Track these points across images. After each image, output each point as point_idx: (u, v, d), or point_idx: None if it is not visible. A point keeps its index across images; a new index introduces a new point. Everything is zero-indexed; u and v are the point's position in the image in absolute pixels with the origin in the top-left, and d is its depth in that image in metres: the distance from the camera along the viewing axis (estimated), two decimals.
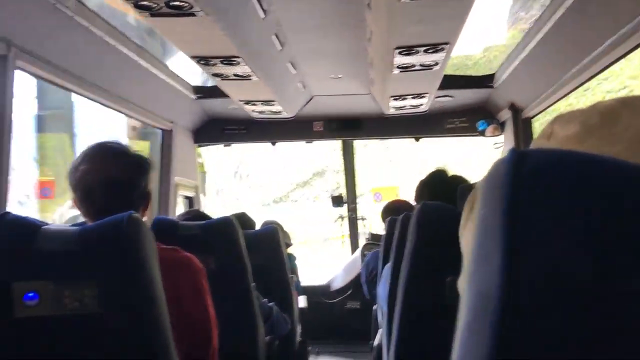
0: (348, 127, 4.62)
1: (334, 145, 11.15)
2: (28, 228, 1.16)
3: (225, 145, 5.29)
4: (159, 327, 1.17)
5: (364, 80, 3.62)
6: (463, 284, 0.43)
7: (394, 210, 3.12)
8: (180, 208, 4.30)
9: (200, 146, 4.87)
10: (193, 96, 3.98)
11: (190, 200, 4.59)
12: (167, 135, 4.17)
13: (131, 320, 1.16)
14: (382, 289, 2.26)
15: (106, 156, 1.40)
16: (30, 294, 1.12)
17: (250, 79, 2.91)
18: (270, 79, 3.12)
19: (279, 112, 4.01)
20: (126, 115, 3.65)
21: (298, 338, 2.96)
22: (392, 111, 4.11)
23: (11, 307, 1.13)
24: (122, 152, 1.43)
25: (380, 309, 2.67)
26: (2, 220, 1.18)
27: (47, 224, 1.21)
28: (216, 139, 4.76)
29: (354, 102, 4.19)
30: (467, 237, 0.51)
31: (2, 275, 1.13)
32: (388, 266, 2.14)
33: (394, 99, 3.71)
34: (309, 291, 4.53)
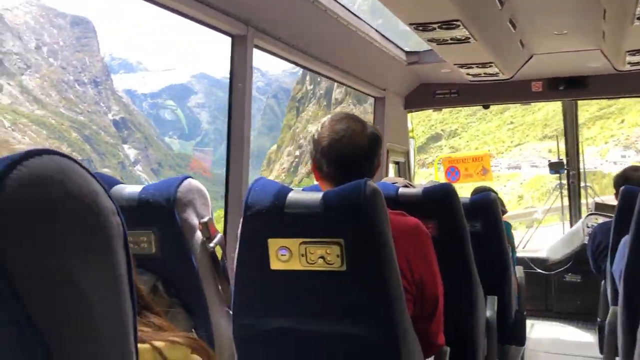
0: (571, 86, 4.27)
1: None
2: (280, 191, 1.31)
3: (434, 110, 5.28)
4: (392, 284, 1.26)
5: (593, 35, 3.29)
6: None
7: (629, 179, 2.83)
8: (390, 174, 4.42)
9: (410, 112, 4.92)
10: (405, 62, 4.02)
11: (399, 166, 4.69)
12: (378, 102, 4.30)
13: (368, 277, 1.25)
14: (617, 265, 2.09)
15: (351, 126, 1.50)
16: (283, 250, 1.28)
17: (468, 42, 2.85)
18: (489, 40, 3.02)
19: (495, 74, 3.86)
20: (342, 84, 3.85)
21: (514, 308, 2.88)
22: (627, 67, 3.68)
23: (268, 260, 1.31)
24: (363, 123, 1.54)
25: (612, 285, 2.47)
26: (258, 183, 1.35)
27: (291, 189, 1.35)
28: (427, 104, 4.76)
29: (578, 59, 3.84)
30: None
31: (261, 231, 1.30)
32: (625, 240, 1.97)
33: (631, 54, 3.32)
34: (523, 262, 4.36)
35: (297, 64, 2.97)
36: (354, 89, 3.98)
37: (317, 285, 1.30)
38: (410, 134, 4.94)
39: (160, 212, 1.32)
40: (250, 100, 2.61)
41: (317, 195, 1.28)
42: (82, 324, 0.42)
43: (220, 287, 1.42)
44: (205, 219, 1.38)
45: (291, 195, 1.30)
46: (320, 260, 1.26)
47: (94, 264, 0.43)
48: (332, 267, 1.26)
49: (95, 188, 0.44)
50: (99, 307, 0.43)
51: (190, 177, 1.40)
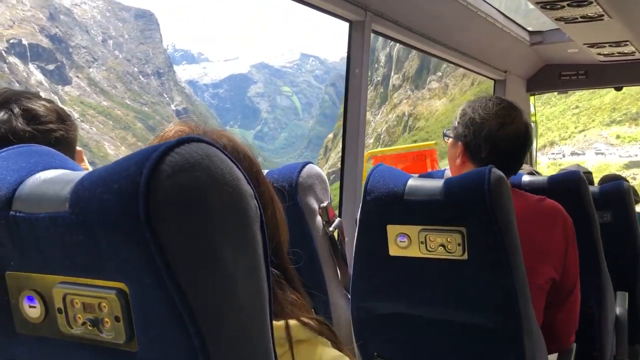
0: None
1: None
2: (400, 178, 1.30)
3: (559, 93, 4.98)
4: (516, 274, 1.22)
5: None
6: None
7: None
8: None
9: (532, 95, 4.67)
10: (528, 42, 3.81)
11: None
12: (499, 85, 4.13)
13: (491, 267, 1.22)
14: None
15: (515, 113, 1.50)
16: (402, 237, 1.28)
17: (602, 19, 2.64)
18: (626, 17, 2.78)
19: (630, 54, 3.55)
20: (460, 66, 3.73)
21: None
22: None
23: (386, 246, 1.31)
24: (521, 111, 1.52)
25: None
26: (377, 169, 1.36)
27: (411, 175, 1.34)
28: (551, 87, 4.50)
29: None
30: None
31: (380, 217, 1.31)
32: None
33: None
34: None
35: (414, 47, 2.94)
36: (473, 71, 3.85)
37: (437, 273, 1.28)
38: (533, 118, 4.70)
39: (284, 196, 1.32)
40: (366, 86, 2.62)
41: (439, 183, 1.26)
42: (229, 300, 0.45)
43: (338, 270, 1.44)
44: (325, 204, 1.40)
45: (411, 182, 1.29)
46: (441, 249, 1.24)
47: (237, 244, 0.46)
48: (453, 256, 1.23)
49: (236, 174, 0.47)
50: (242, 284, 0.46)
51: (311, 162, 1.41)
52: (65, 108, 1.40)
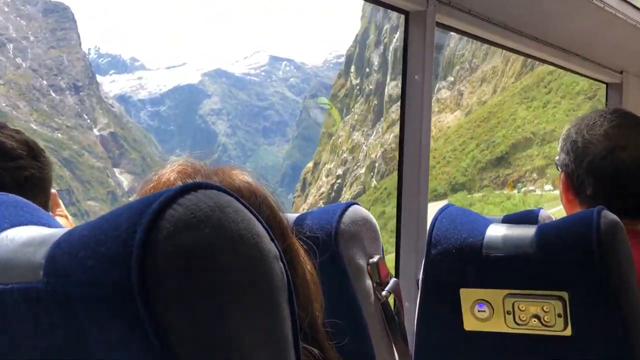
0: None
1: None
2: (476, 224, 1.31)
3: None
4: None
5: None
6: None
7: None
8: None
9: None
10: None
11: None
12: (613, 89, 4.10)
13: (606, 345, 1.21)
14: None
15: (628, 130, 1.49)
16: (481, 305, 1.27)
17: None
18: None
19: None
20: (557, 66, 3.72)
21: None
22: None
23: (460, 317, 1.31)
24: None
25: None
26: (446, 212, 1.36)
27: (492, 220, 1.34)
28: None
29: None
30: None
31: (451, 278, 1.31)
32: None
33: None
34: None
35: (493, 44, 2.98)
36: (575, 72, 3.84)
37: (529, 353, 1.27)
38: None
39: (320, 248, 1.29)
40: (429, 98, 2.65)
41: (530, 231, 1.25)
42: None
43: (394, 349, 1.43)
44: (375, 259, 1.39)
45: (493, 230, 1.29)
46: (534, 321, 1.23)
47: (257, 323, 0.47)
48: (551, 331, 1.23)
49: (256, 229, 0.48)
50: None
51: (356, 203, 1.41)
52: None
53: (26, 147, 1.39)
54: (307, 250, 1.10)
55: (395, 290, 1.38)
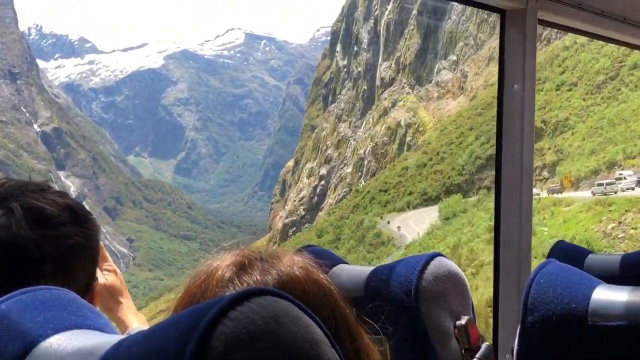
0: None
1: None
2: (580, 285, 1.17)
3: None
4: None
5: None
6: None
7: None
8: None
9: None
10: None
11: None
12: None
13: None
14: None
15: None
16: None
17: None
18: None
19: None
20: None
21: None
22: None
23: None
24: None
25: None
26: (546, 269, 1.23)
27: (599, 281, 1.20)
28: None
29: None
30: None
31: (552, 349, 1.19)
32: None
33: None
34: None
35: (607, 39, 2.73)
36: None
37: None
38: None
39: (397, 309, 1.28)
40: (532, 109, 2.34)
41: None
42: None
43: None
44: (464, 321, 1.34)
45: (600, 293, 1.16)
46: None
47: None
48: None
49: (315, 336, 0.47)
50: None
51: (440, 254, 1.37)
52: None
53: (69, 212, 1.37)
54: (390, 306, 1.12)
55: (489, 357, 1.36)
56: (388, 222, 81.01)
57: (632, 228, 39.79)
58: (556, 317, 1.18)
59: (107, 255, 1.65)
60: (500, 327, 2.35)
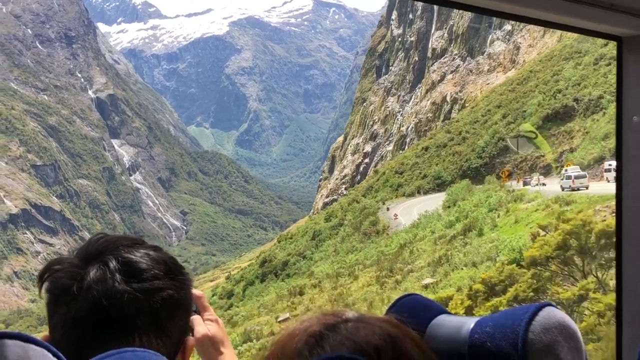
0: None
1: None
2: None
3: None
4: None
5: None
6: None
7: None
8: None
9: None
10: None
11: None
12: None
13: None
14: None
15: None
16: None
17: None
18: None
19: None
20: None
21: None
22: None
23: None
24: None
25: None
26: None
27: None
28: None
29: None
30: None
31: None
32: None
33: None
34: None
35: None
36: None
37: None
38: None
39: None
40: None
41: None
42: None
43: None
44: None
45: None
46: None
47: None
48: None
49: None
50: None
51: (550, 304, 1.30)
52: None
53: (163, 265, 1.41)
54: None
55: None
56: (387, 209, 73.54)
57: None
58: None
59: (208, 304, 1.68)
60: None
